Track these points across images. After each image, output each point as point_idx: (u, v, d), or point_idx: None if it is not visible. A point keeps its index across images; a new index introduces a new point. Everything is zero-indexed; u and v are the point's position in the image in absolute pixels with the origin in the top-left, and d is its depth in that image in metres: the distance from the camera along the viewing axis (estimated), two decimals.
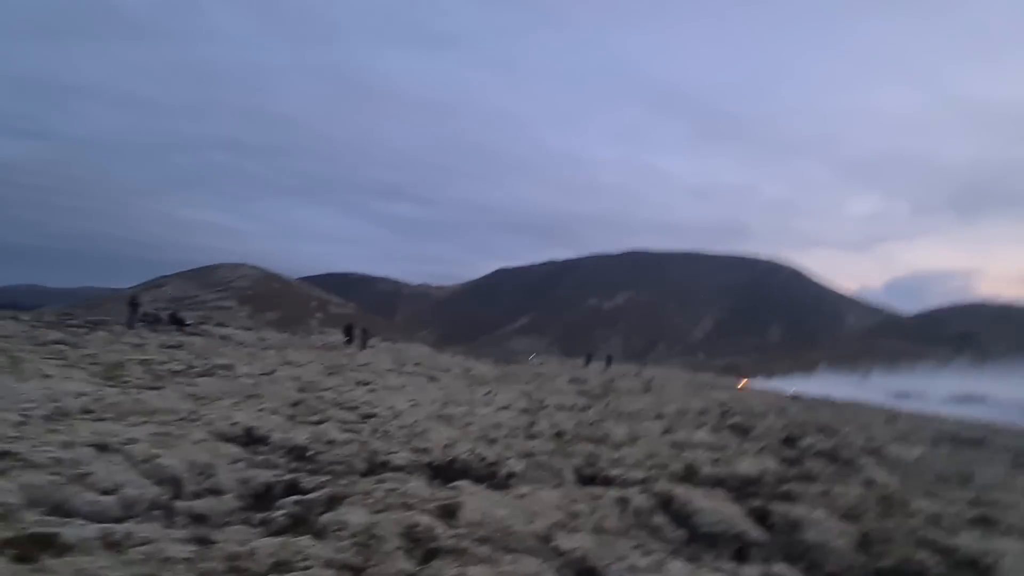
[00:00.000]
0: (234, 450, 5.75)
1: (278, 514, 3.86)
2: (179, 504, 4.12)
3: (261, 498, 4.40)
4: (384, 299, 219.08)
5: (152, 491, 4.23)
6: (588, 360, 52.81)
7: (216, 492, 4.36)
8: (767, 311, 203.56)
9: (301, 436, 6.72)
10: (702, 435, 11.22)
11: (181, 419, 7.08)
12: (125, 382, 9.81)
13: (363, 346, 30.82)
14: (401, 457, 6.14)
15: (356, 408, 9.61)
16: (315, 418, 8.43)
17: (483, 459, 6.35)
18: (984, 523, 5.90)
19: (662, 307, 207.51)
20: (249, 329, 36.80)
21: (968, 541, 4.95)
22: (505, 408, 12.10)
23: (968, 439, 18.10)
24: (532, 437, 8.97)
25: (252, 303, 78.04)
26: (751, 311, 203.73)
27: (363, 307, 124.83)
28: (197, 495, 4.31)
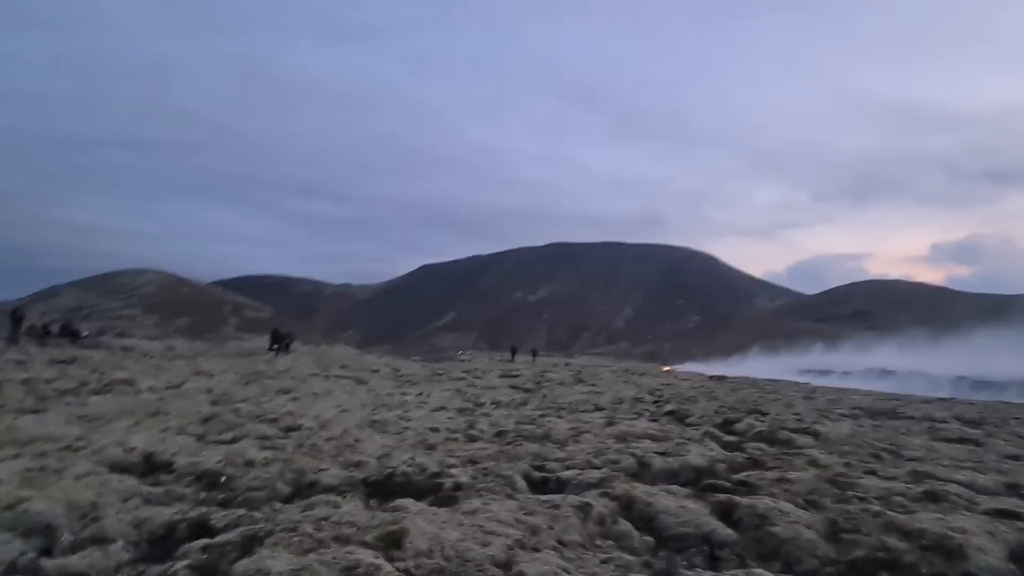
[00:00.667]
0: (128, 483, 4.86)
1: (179, 566, 3.12)
2: (50, 563, 3.29)
3: (159, 544, 3.61)
4: (304, 301, 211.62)
5: (14, 547, 3.38)
6: (514, 353, 53.04)
7: (101, 541, 3.54)
8: (684, 297, 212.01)
9: (212, 458, 5.87)
10: (643, 425, 11.05)
11: (64, 448, 6.04)
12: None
13: (285, 351, 29.28)
14: (331, 475, 5.44)
15: (277, 420, 8.72)
16: (229, 435, 7.52)
17: (424, 470, 5.75)
18: (932, 499, 5.88)
19: (584, 297, 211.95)
20: (155, 339, 34.10)
21: (928, 522, 4.84)
22: (441, 409, 11.48)
23: (881, 411, 19.10)
24: (472, 440, 8.43)
25: (159, 311, 73.02)
26: (669, 298, 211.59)
27: (281, 310, 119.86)
28: (75, 547, 3.48)
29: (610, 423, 11.28)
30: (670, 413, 13.96)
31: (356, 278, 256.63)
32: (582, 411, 13.01)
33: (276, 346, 29.64)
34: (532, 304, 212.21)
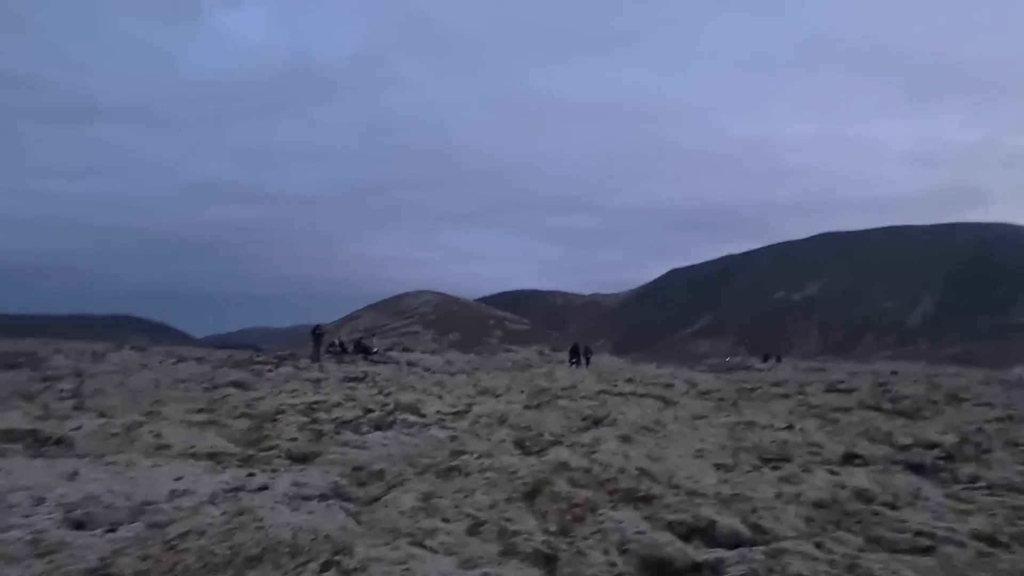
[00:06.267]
0: None
1: None
2: None
3: None
4: (555, 312, 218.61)
5: None
6: (766, 359, 46.59)
7: None
8: (1004, 285, 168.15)
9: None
10: None
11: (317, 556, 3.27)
12: (266, 450, 6.47)
13: (586, 364, 28.08)
14: None
15: (635, 490, 5.32)
16: (572, 510, 4.28)
17: None
18: None
19: (864, 292, 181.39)
20: (434, 352, 34.95)
21: None
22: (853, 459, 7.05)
23: None
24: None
25: (435, 327, 79.45)
26: (982, 287, 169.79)
27: (536, 322, 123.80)
28: None
29: None
30: None
31: (604, 287, 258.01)
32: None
33: (575, 360, 28.58)
34: (798, 303, 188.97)
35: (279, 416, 8.59)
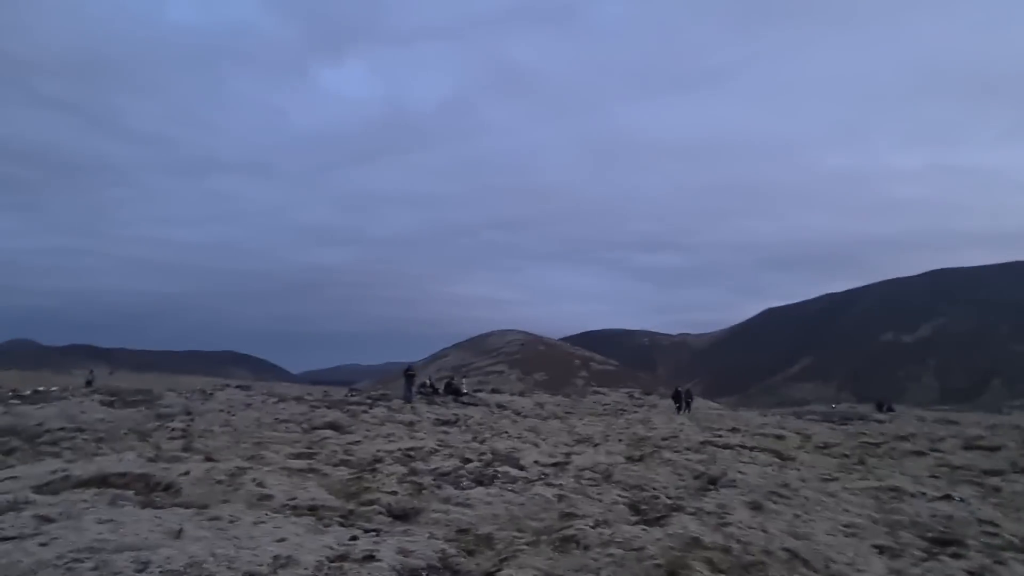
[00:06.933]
0: None
1: None
2: None
3: None
4: (642, 353, 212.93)
5: None
6: (880, 407, 42.13)
7: None
8: None
9: None
10: None
11: None
12: (366, 504, 6.12)
13: (688, 408, 27.11)
14: None
15: (767, 556, 4.53)
16: None
17: None
18: None
19: (990, 334, 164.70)
20: (522, 393, 34.39)
21: None
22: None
23: None
24: None
25: (520, 366, 79.13)
26: None
27: (622, 362, 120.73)
28: None
29: None
30: None
31: (692, 327, 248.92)
32: None
33: (679, 405, 27.82)
34: (910, 346, 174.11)
35: (377, 465, 8.31)
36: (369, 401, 21.72)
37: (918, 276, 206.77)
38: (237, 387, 24.37)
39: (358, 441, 11.04)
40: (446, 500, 6.51)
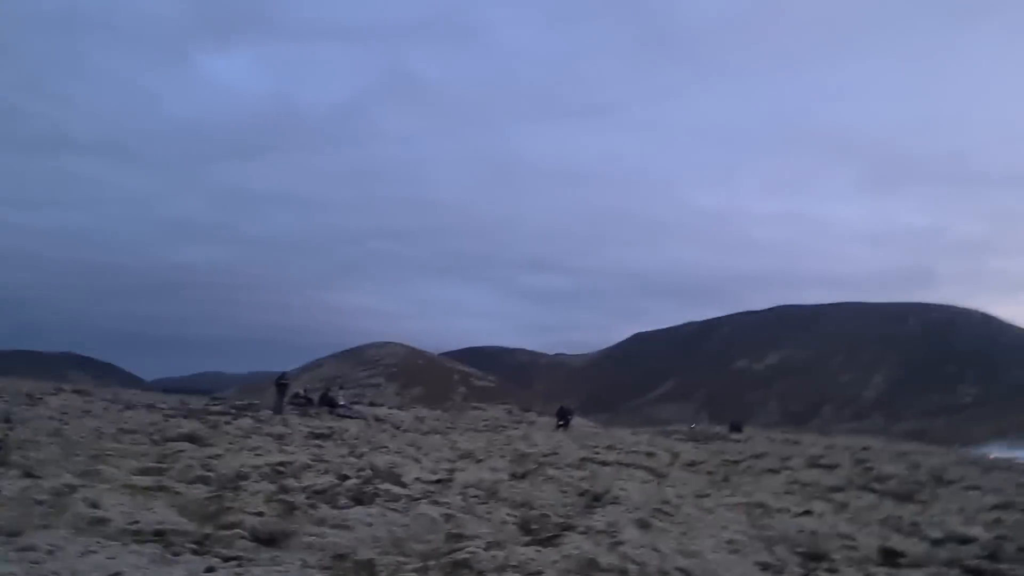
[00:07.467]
0: None
1: None
2: None
3: None
4: (520, 370, 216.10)
5: None
6: (733, 428, 46.17)
7: None
8: (953, 365, 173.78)
9: None
10: None
11: None
12: (227, 527, 5.35)
13: (567, 427, 27.51)
14: None
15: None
16: None
17: None
18: None
19: (823, 365, 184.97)
20: (401, 407, 33.37)
21: None
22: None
23: None
24: None
25: (398, 379, 77.32)
26: (933, 366, 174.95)
27: (502, 379, 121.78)
28: None
29: None
30: None
31: (570, 347, 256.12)
32: None
33: (562, 422, 28.20)
34: (760, 372, 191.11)
35: (241, 482, 7.41)
36: (233, 411, 19.93)
37: (768, 309, 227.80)
38: (74, 392, 21.43)
39: (219, 455, 9.91)
40: (321, 521, 5.87)
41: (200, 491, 6.76)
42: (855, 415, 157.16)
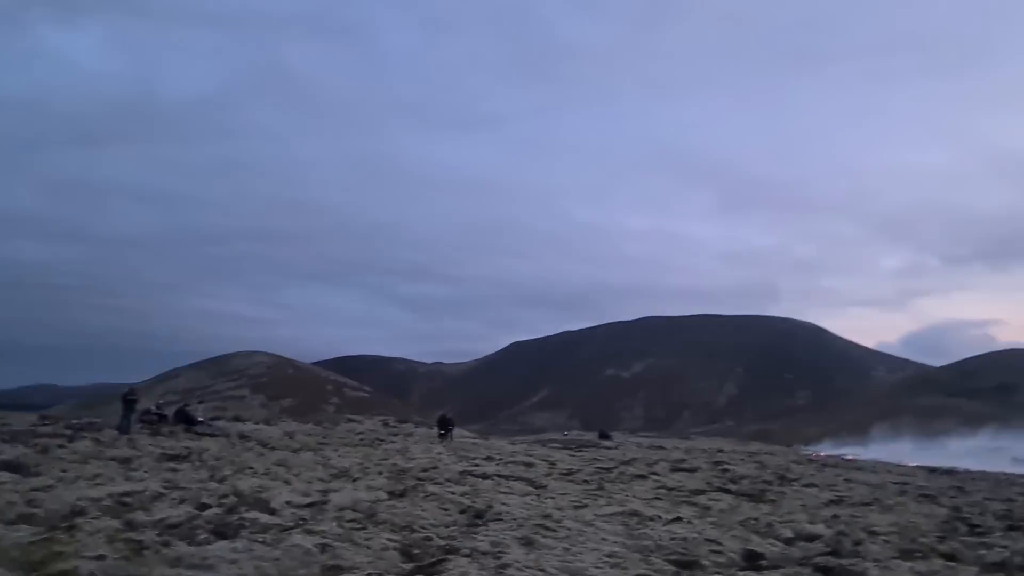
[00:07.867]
0: None
1: None
2: None
3: None
4: (399, 379, 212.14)
5: None
6: (603, 436, 48.73)
7: None
8: (791, 372, 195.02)
9: None
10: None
11: None
12: None
13: (450, 438, 27.42)
14: None
15: None
16: None
17: None
18: None
19: (682, 373, 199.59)
20: (268, 421, 31.29)
21: None
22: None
23: None
24: None
25: (265, 391, 72.73)
26: (773, 373, 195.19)
27: (378, 389, 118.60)
28: None
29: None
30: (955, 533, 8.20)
31: (449, 356, 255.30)
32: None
33: (443, 432, 28.22)
34: (627, 380, 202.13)
35: (77, 519, 6.46)
36: (68, 431, 17.58)
37: (635, 320, 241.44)
38: None
39: (49, 486, 8.61)
40: (176, 562, 5.23)
41: (23, 533, 5.78)
42: (710, 418, 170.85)
